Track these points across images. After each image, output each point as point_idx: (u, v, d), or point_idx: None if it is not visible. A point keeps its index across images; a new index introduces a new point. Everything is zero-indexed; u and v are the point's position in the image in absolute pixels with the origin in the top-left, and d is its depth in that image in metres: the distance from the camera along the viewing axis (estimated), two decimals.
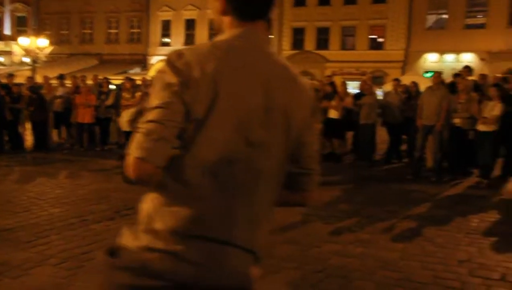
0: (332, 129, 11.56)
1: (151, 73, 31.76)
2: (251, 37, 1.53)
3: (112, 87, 14.51)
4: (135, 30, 40.80)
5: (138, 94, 12.04)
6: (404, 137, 11.77)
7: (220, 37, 1.55)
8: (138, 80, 15.36)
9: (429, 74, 14.62)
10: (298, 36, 36.94)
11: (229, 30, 1.55)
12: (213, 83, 1.40)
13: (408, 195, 8.34)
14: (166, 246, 1.41)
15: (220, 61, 1.43)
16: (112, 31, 41.36)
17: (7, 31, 43.92)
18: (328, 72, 34.31)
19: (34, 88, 13.41)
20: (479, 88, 10.12)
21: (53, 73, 20.83)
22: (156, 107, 1.38)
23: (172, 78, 1.40)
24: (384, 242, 5.76)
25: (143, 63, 39.65)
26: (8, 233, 5.78)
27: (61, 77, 14.16)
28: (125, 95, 12.14)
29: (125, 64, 38.71)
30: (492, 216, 7.04)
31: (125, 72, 32.56)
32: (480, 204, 7.70)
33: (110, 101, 13.05)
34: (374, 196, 8.24)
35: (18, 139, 12.90)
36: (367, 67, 33.50)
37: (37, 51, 32.74)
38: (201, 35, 38.74)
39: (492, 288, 4.44)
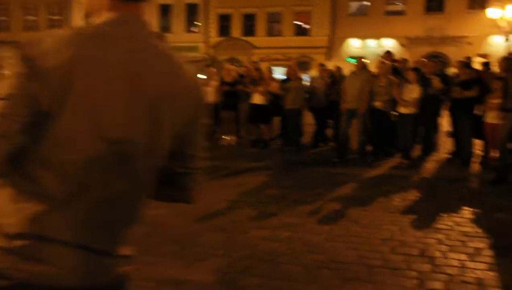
0: (258, 114, 11.62)
1: None
2: (127, 22, 1.37)
3: None
4: (55, 17, 39.18)
5: None
6: (329, 121, 12.00)
7: (92, 22, 1.37)
8: None
9: (352, 60, 15.01)
10: (224, 23, 36.77)
11: (104, 13, 1.37)
12: (66, 75, 1.25)
13: (334, 177, 8.52)
14: (8, 244, 1.32)
15: (79, 50, 1.26)
16: (30, 18, 39.52)
17: None
18: (255, 58, 34.46)
19: None
20: (399, 72, 10.44)
21: None
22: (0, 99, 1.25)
23: (20, 68, 1.24)
24: (311, 225, 5.84)
25: None
26: None
27: None
28: None
29: None
30: (413, 195, 7.31)
31: None
32: (402, 184, 7.97)
33: None
34: (301, 180, 8.35)
35: None
36: (293, 53, 33.85)
37: None
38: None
39: (412, 264, 4.60)
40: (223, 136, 12.26)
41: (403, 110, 9.32)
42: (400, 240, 5.27)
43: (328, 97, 11.30)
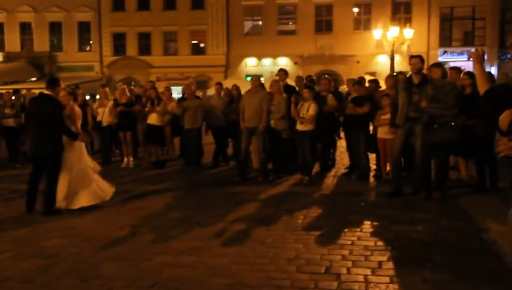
0: (155, 135, 11.38)
1: None
2: None
3: None
4: None
5: None
6: (229, 140, 11.99)
7: None
8: None
9: (249, 78, 15.20)
10: (119, 42, 36.03)
11: None
12: None
13: (236, 197, 8.45)
14: None
15: None
16: None
17: None
18: (152, 78, 33.99)
19: None
20: (294, 90, 10.66)
21: None
22: None
23: None
24: (215, 248, 5.71)
25: None
26: None
27: None
28: None
29: None
30: (315, 212, 7.41)
31: None
32: (304, 201, 8.06)
33: None
34: (203, 201, 8.21)
35: None
36: (191, 72, 33.83)
37: None
38: (12, 40, 35.83)
39: (319, 282, 4.61)
40: (123, 159, 11.89)
41: (300, 127, 9.49)
42: (306, 258, 5.28)
43: (226, 116, 11.29)
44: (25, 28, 35.92)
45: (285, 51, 34.11)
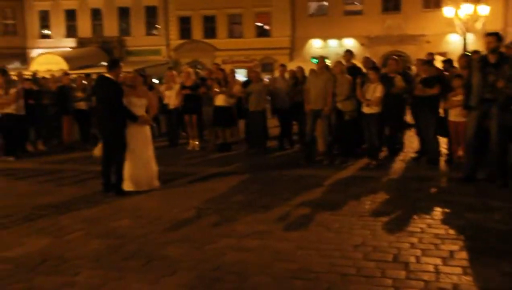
0: (222, 117, 11.40)
1: (34, 67, 29.78)
2: None
3: None
4: (9, 22, 38.06)
5: (13, 90, 11.09)
6: (295, 122, 11.86)
7: None
8: (14, 75, 14.28)
9: (315, 60, 14.93)
10: (185, 25, 36.39)
11: None
12: None
13: (301, 181, 8.35)
14: None
15: None
16: None
17: None
18: (218, 61, 34.21)
19: None
20: (361, 71, 10.37)
21: None
22: None
23: None
24: (280, 232, 5.65)
25: (23, 57, 37.14)
26: None
27: None
28: None
29: (2, 58, 35.95)
30: (383, 197, 7.19)
31: (3, 67, 30.23)
32: (371, 186, 7.85)
33: None
34: (268, 184, 8.15)
35: None
36: (256, 54, 33.81)
37: None
38: (84, 26, 36.99)
39: (386, 271, 4.45)
40: (189, 141, 12.03)
41: (366, 109, 9.23)
42: (373, 245, 5.12)
43: (291, 98, 11.16)
44: (96, 14, 36.94)
45: (351, 32, 33.41)
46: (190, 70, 12.17)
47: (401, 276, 4.35)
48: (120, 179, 7.60)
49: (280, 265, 4.63)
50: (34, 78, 14.47)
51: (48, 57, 32.13)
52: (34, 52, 35.75)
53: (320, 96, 9.55)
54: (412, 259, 4.72)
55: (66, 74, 13.93)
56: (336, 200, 7.00)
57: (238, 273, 4.48)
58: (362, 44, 33.12)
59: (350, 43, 33.25)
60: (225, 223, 6.02)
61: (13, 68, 33.55)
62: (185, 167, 9.51)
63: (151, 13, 36.50)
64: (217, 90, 11.36)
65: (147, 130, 7.98)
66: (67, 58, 31.90)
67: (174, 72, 12.60)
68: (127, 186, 7.64)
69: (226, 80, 11.54)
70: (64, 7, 37.12)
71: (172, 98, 11.92)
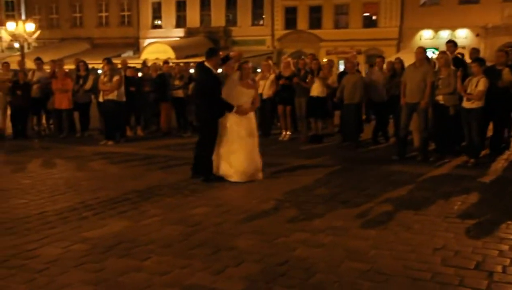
0: (317, 108, 11.19)
1: (144, 56, 31.26)
2: None
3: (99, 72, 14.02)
4: (125, 13, 40.10)
5: (116, 78, 11.61)
6: (391, 116, 11.38)
7: None
8: (131, 63, 14.99)
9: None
10: (290, 16, 36.26)
11: None
12: None
13: (390, 177, 7.98)
14: None
15: None
16: (102, 14, 40.68)
17: None
18: (322, 51, 33.86)
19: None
20: (465, 63, 9.69)
21: (44, 58, 19.69)
22: None
23: None
24: (357, 229, 5.40)
25: (136, 46, 39.06)
26: None
27: (38, 60, 13.67)
28: (103, 78, 11.69)
29: (117, 48, 38.06)
30: (475, 198, 6.68)
31: (118, 56, 32.02)
32: (465, 186, 7.33)
33: (88, 85, 12.64)
34: (354, 179, 7.87)
35: None
36: (362, 45, 32.98)
37: (25, 36, 32.14)
38: (193, 16, 38.10)
39: (466, 279, 4.09)
40: (281, 131, 11.97)
41: (467, 104, 8.60)
42: (455, 249, 4.74)
43: (388, 91, 10.70)
44: (204, 5, 37.87)
45: (465, 22, 31.51)
46: (290, 60, 12.03)
47: (482, 286, 3.98)
48: (208, 166, 7.68)
49: (349, 265, 4.41)
50: (142, 65, 14.99)
51: (157, 46, 33.53)
52: (146, 42, 37.39)
53: (416, 89, 9.04)
54: (498, 268, 4.31)
55: (166, 62, 14.36)
56: (423, 198, 6.60)
57: (304, 269, 4.33)
58: (477, 35, 31.18)
59: (463, 33, 31.51)
60: (301, 216, 5.87)
61: (126, 56, 35.47)
62: (273, 157, 9.43)
63: (257, 4, 36.78)
64: (310, 81, 11.16)
65: (252, 121, 7.89)
66: (175, 47, 33.08)
67: (270, 62, 12.54)
68: (231, 176, 7.61)
69: (321, 71, 11.28)
70: None
71: (266, 88, 11.88)
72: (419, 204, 6.31)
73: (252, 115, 7.89)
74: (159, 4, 39.07)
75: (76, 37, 40.31)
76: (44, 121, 13.67)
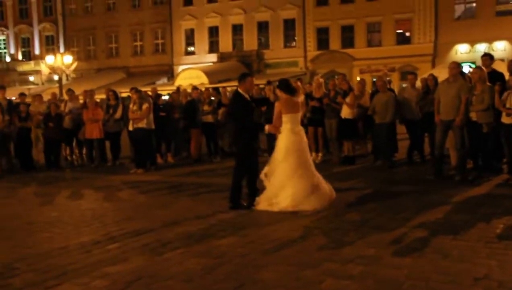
0: (347, 129, 10.89)
1: (178, 82, 31.60)
2: None
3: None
4: (159, 41, 40.81)
5: (145, 106, 11.59)
6: (426, 134, 10.98)
7: None
8: (164, 90, 15.04)
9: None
10: (322, 36, 36.23)
11: None
12: None
13: (426, 198, 7.60)
14: None
15: None
16: (137, 43, 41.51)
17: (36, 51, 44.61)
18: (355, 70, 33.55)
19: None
20: (502, 77, 9.25)
21: (81, 89, 19.83)
22: None
23: None
24: (389, 257, 5.07)
25: (170, 73, 39.59)
26: None
27: (70, 91, 13.85)
28: (132, 107, 11.69)
29: (152, 75, 38.70)
30: None
31: (153, 84, 32.46)
32: (507, 205, 6.91)
33: (118, 114, 12.69)
34: (388, 202, 7.52)
35: (29, 159, 12.71)
36: (396, 62, 32.63)
37: (63, 68, 32.96)
38: (225, 41, 38.39)
39: None
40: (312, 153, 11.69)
41: (506, 119, 8.17)
42: (499, 280, 4.36)
43: (421, 108, 10.33)
44: (236, 30, 38.18)
45: (503, 34, 30.77)
46: (321, 80, 11.79)
47: None
48: (235, 192, 7.48)
49: None
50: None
51: (191, 72, 33.88)
52: (180, 68, 37.83)
53: (451, 106, 8.69)
54: None
55: (195, 88, 14.32)
56: (462, 222, 6.21)
57: None
58: None
59: (501, 46, 30.76)
60: (331, 245, 5.57)
61: (161, 83, 35.93)
62: None
63: (289, 26, 36.86)
64: (340, 102, 10.91)
65: (289, 143, 7.36)
66: (207, 72, 33.33)
67: (299, 83, 12.33)
68: (265, 204, 7.28)
69: (350, 91, 11.01)
70: (208, 25, 38.85)
71: None
72: (457, 228, 5.93)
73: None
74: (192, 31, 39.58)
75: (112, 66, 41.16)
76: (76, 151, 13.76)
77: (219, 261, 5.18)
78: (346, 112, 10.90)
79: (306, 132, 11.75)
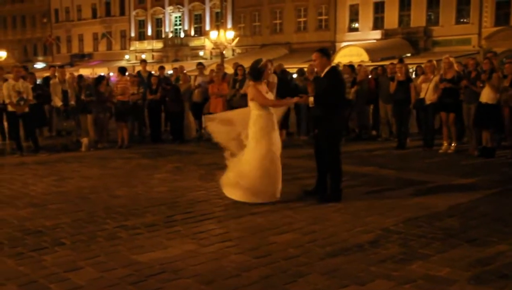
0: (485, 117, 9.29)
1: (337, 59, 30.67)
2: None
3: None
4: (323, 17, 40.00)
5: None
6: None
7: None
8: None
9: None
10: (502, 11, 32.35)
11: None
12: None
13: None
14: None
15: None
16: (301, 19, 41.15)
17: (207, 27, 46.67)
18: None
19: (167, 79, 13.41)
20: None
21: (245, 64, 19.66)
22: None
23: None
24: (464, 284, 3.93)
25: (332, 50, 38.64)
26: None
27: (200, 65, 13.86)
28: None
29: (313, 51, 38.11)
30: None
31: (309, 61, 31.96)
32: None
33: (244, 89, 12.36)
34: (507, 208, 6.11)
35: (157, 132, 13.03)
36: None
37: (226, 44, 33.91)
38: (391, 17, 36.35)
39: None
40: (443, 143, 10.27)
41: None
42: None
43: None
44: (404, 5, 35.84)
45: None
46: (452, 59, 10.19)
47: None
48: (332, 187, 6.65)
49: None
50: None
51: (351, 49, 32.65)
52: (342, 45, 36.71)
53: None
54: None
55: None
56: None
57: None
58: None
59: None
60: (399, 256, 4.54)
61: None
62: (422, 173, 7.98)
63: (463, 0, 33.60)
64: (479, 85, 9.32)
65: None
66: (369, 50, 31.83)
67: (434, 62, 10.81)
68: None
69: (493, 71, 9.33)
70: (374, 0, 37.06)
71: (428, 92, 10.25)
72: None
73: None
74: (357, 6, 38.09)
75: (276, 42, 41.38)
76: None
77: (258, 261, 4.49)
78: (484, 96, 9.27)
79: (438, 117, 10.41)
